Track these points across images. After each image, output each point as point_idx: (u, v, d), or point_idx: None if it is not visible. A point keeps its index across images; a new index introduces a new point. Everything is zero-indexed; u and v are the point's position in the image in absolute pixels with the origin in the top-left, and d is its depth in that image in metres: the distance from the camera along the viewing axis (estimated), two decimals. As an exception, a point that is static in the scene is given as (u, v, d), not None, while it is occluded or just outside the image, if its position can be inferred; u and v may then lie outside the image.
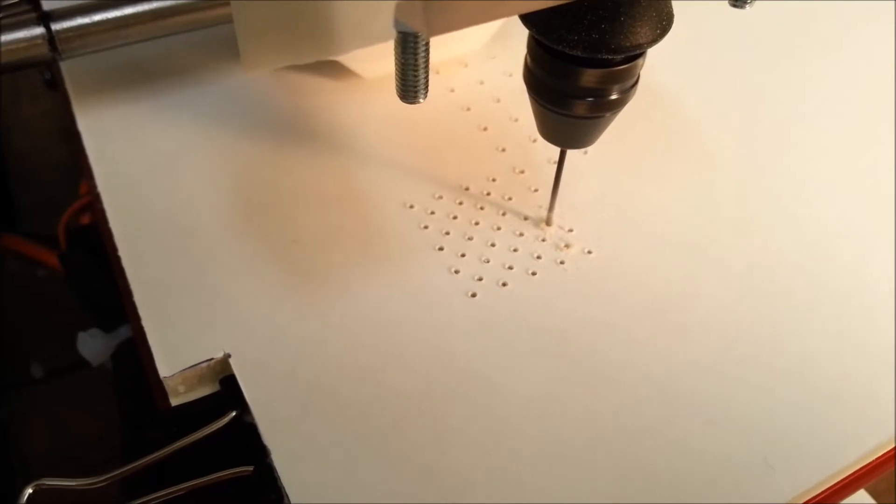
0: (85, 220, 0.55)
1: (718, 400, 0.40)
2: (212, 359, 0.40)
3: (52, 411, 0.62)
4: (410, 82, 0.33)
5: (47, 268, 0.63)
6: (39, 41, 0.45)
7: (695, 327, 0.43)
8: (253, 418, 0.38)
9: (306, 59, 0.32)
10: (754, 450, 0.38)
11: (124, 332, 0.52)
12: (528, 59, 0.39)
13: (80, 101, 0.52)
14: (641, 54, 0.36)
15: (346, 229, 0.46)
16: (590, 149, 0.51)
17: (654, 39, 0.35)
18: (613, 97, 0.37)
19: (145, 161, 0.49)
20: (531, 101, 0.40)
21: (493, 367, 0.41)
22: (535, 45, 0.37)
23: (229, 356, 0.40)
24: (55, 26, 0.45)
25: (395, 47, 0.32)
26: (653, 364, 0.41)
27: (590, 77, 0.36)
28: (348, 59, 0.51)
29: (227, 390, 0.40)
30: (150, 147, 0.50)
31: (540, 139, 0.50)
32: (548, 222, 0.47)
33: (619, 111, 0.39)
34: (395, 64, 0.32)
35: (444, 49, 0.54)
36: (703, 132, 0.53)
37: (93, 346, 0.52)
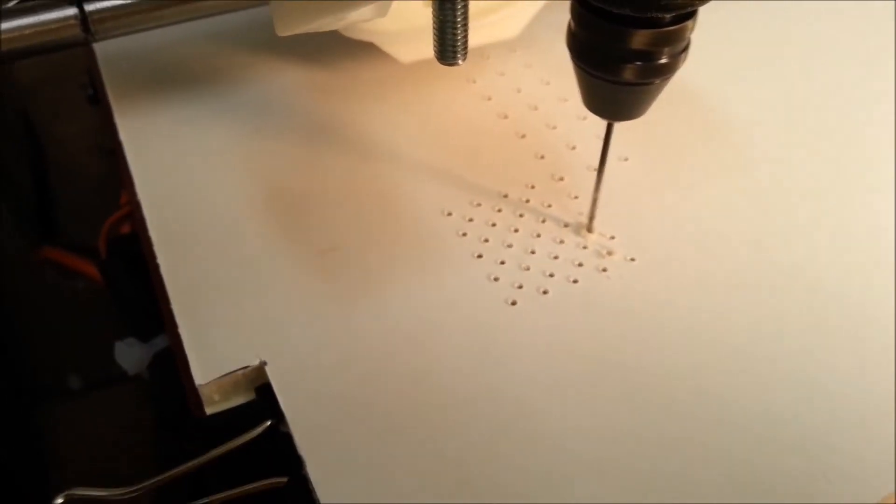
0: (125, 229, 0.55)
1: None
2: (247, 367, 0.40)
3: (88, 422, 0.62)
4: (449, 41, 0.32)
5: (87, 279, 0.63)
6: (72, 21, 0.45)
7: (744, 337, 0.41)
8: (288, 428, 0.38)
9: (339, 19, 0.32)
10: (816, 466, 0.37)
11: (161, 341, 0.52)
12: (572, 23, 0.36)
13: (122, 112, 0.52)
14: (692, 14, 0.35)
15: (384, 236, 0.46)
16: (631, 155, 0.50)
17: None
18: (663, 61, 0.35)
19: (184, 169, 0.49)
20: (576, 70, 0.38)
21: (534, 379, 0.40)
22: (579, 6, 0.35)
23: (265, 364, 0.40)
24: (88, 7, 0.45)
25: (433, 4, 0.32)
26: (698, 375, 0.40)
27: (639, 38, 0.34)
28: (384, 41, 0.50)
29: (262, 399, 0.40)
30: (189, 155, 0.50)
31: (580, 146, 0.49)
32: (589, 229, 0.46)
33: (669, 79, 0.36)
34: (434, 24, 0.32)
35: (482, 33, 0.52)
36: (746, 135, 0.52)
37: (130, 354, 0.52)
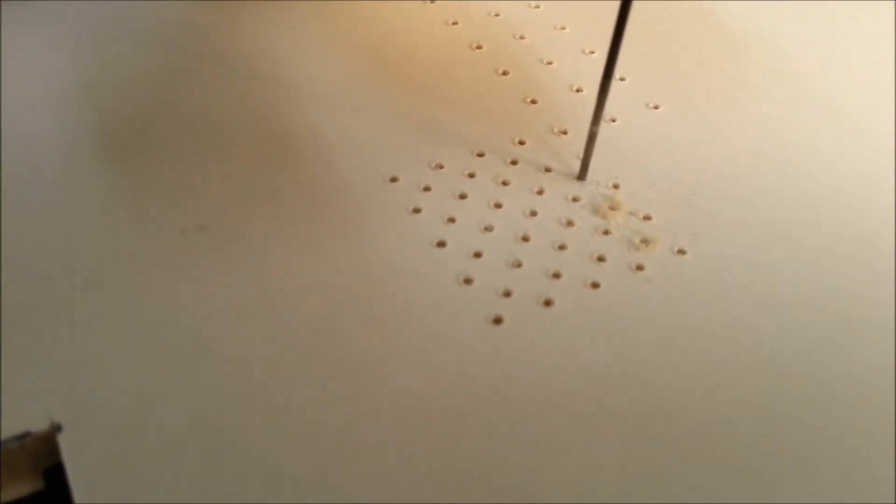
0: None
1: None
2: (27, 434, 0.22)
3: None
4: None
5: None
6: None
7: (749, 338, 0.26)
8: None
9: None
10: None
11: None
12: None
13: None
14: None
15: (287, 213, 0.29)
16: (667, 104, 0.34)
17: None
18: None
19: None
20: None
21: (528, 426, 0.23)
22: None
23: (59, 430, 0.22)
24: None
25: None
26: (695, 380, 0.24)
27: None
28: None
29: (54, 489, 0.22)
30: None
31: (588, 88, 0.33)
32: (613, 207, 0.30)
33: None
34: None
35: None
36: (813, 82, 0.36)
37: None
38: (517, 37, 0.37)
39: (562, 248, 0.28)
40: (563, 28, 0.38)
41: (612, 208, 0.30)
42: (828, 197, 0.31)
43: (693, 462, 0.23)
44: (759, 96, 0.35)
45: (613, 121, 0.33)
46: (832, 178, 0.32)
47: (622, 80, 0.35)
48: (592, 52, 0.37)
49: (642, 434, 0.24)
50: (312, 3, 0.37)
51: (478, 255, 0.28)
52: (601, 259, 0.28)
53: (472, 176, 0.31)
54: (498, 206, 0.30)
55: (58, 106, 0.32)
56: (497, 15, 0.39)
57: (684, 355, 0.26)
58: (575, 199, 0.30)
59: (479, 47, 0.37)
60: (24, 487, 0.23)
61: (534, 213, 0.30)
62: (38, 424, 0.22)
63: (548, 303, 0.27)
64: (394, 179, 0.30)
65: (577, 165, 0.31)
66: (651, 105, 0.34)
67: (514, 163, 0.31)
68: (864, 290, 0.28)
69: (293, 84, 0.34)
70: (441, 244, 0.28)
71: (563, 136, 0.33)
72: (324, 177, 0.30)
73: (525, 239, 0.29)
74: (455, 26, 0.38)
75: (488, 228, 0.29)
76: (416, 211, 0.29)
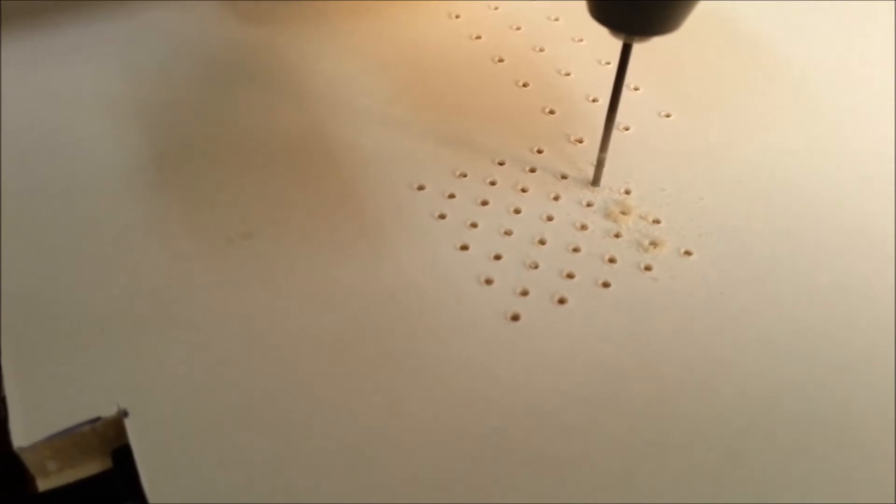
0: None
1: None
2: (98, 419, 0.25)
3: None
4: None
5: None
6: None
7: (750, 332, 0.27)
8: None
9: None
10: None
11: None
12: None
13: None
14: None
15: (322, 219, 0.31)
16: (678, 113, 0.36)
17: None
18: None
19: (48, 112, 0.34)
20: None
21: (548, 423, 0.26)
22: None
23: (126, 415, 0.25)
24: None
25: None
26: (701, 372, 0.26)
27: None
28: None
29: (121, 468, 0.25)
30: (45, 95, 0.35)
31: (603, 99, 0.35)
32: (624, 211, 0.32)
33: None
34: None
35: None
36: (821, 88, 0.38)
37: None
38: (537, 49, 0.40)
39: (576, 250, 0.31)
40: (581, 40, 0.40)
41: (624, 212, 0.32)
42: (832, 201, 0.33)
43: (697, 449, 0.26)
44: (766, 104, 0.37)
45: (627, 129, 0.36)
46: (837, 183, 0.34)
47: (636, 89, 0.37)
48: (608, 63, 0.39)
49: (649, 423, 0.26)
50: (346, 23, 0.40)
51: (498, 257, 0.30)
52: (612, 260, 0.30)
53: (493, 184, 0.33)
54: (517, 211, 0.32)
55: (113, 124, 0.35)
56: (518, 28, 0.41)
57: (689, 350, 0.28)
58: (589, 205, 0.32)
59: (500, 60, 0.39)
60: (94, 467, 0.26)
61: (550, 218, 0.32)
62: (108, 411, 0.25)
63: (562, 301, 0.29)
64: (421, 188, 0.33)
65: (591, 172, 0.33)
66: (663, 113, 0.36)
67: (532, 170, 0.34)
68: (869, 291, 0.30)
69: (329, 99, 0.36)
70: (464, 248, 0.31)
71: (579, 144, 0.35)
72: (356, 185, 0.33)
73: (542, 242, 0.31)
74: (479, 40, 0.40)
75: (508, 233, 0.31)
76: (442, 217, 0.32)
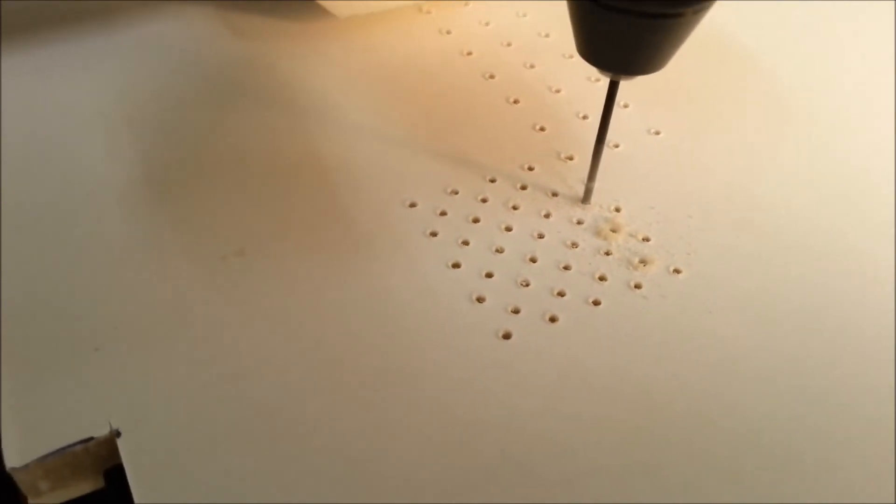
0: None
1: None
2: (90, 439, 0.25)
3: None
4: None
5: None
6: None
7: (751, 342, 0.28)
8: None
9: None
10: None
11: None
12: None
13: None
14: None
15: (315, 236, 0.32)
16: (667, 130, 0.36)
17: None
18: None
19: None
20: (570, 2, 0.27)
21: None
22: None
23: (118, 435, 0.25)
24: None
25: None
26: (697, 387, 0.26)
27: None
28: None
29: (114, 488, 0.25)
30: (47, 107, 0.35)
31: (594, 115, 0.36)
32: (614, 229, 0.32)
33: (703, 16, 0.26)
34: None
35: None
36: (809, 106, 0.38)
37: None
38: (528, 66, 0.40)
39: (566, 268, 0.31)
40: (572, 56, 0.40)
41: (614, 230, 0.32)
42: (821, 218, 0.33)
43: (688, 466, 0.26)
44: (756, 122, 0.38)
45: (616, 146, 0.36)
46: (826, 201, 0.34)
47: (626, 106, 0.38)
48: (598, 80, 0.39)
49: (640, 438, 0.26)
50: (339, 40, 0.40)
51: (489, 275, 0.31)
52: (602, 278, 0.31)
53: (484, 201, 0.33)
54: (508, 229, 0.32)
55: (108, 139, 0.35)
56: (509, 45, 0.41)
57: (679, 368, 0.28)
58: (579, 222, 0.33)
59: (492, 77, 0.39)
60: (86, 486, 0.26)
61: (541, 236, 0.32)
62: (100, 430, 0.25)
63: (553, 319, 0.29)
64: (413, 205, 0.33)
65: (581, 189, 0.34)
66: (652, 131, 0.37)
67: (523, 188, 0.34)
68: (860, 309, 0.30)
69: (321, 116, 0.36)
70: (456, 265, 0.31)
71: (570, 161, 0.35)
72: (349, 202, 0.33)
73: (533, 260, 0.31)
74: (470, 56, 0.40)
75: (499, 250, 0.32)
76: (433, 234, 0.32)
